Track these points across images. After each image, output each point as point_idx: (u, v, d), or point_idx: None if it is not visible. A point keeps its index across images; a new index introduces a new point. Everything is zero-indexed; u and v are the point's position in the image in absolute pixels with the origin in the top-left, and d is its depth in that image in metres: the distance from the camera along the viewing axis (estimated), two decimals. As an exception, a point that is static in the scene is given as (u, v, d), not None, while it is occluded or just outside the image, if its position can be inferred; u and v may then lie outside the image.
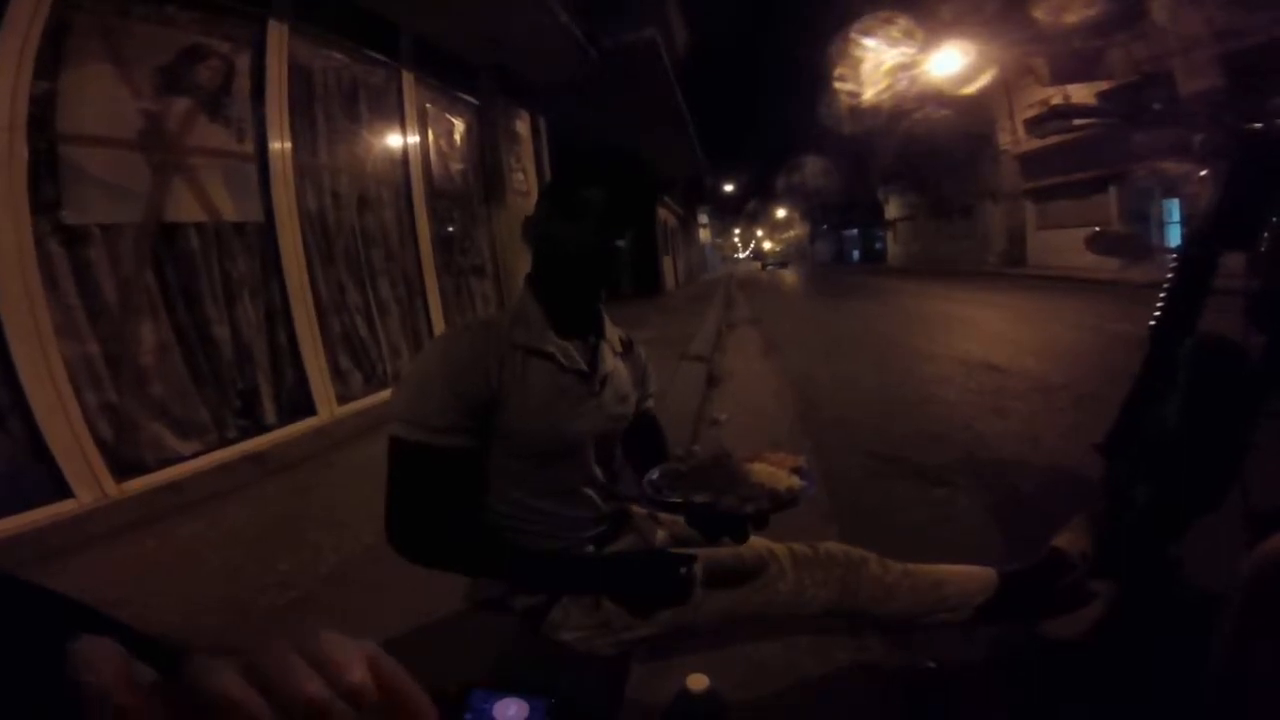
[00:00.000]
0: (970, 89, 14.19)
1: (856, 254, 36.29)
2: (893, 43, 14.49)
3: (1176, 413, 1.18)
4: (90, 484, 2.31)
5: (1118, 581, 1.22)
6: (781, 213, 53.28)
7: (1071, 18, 10.59)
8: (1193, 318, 1.25)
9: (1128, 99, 1.36)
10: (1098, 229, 1.53)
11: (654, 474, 0.91)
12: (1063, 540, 1.28)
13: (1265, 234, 1.06)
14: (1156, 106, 1.26)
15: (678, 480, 0.89)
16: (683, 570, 0.89)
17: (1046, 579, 1.21)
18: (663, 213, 16.11)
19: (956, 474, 2.49)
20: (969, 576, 1.15)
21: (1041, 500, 2.18)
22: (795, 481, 0.87)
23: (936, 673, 1.28)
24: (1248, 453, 1.12)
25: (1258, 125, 1.10)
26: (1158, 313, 1.29)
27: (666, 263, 15.97)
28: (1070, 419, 3.06)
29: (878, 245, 31.57)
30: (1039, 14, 11.25)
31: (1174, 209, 12.30)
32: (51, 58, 2.32)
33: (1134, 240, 1.57)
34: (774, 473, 0.89)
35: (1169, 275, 1.27)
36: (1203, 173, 1.20)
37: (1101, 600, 1.21)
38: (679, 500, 0.86)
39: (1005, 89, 15.57)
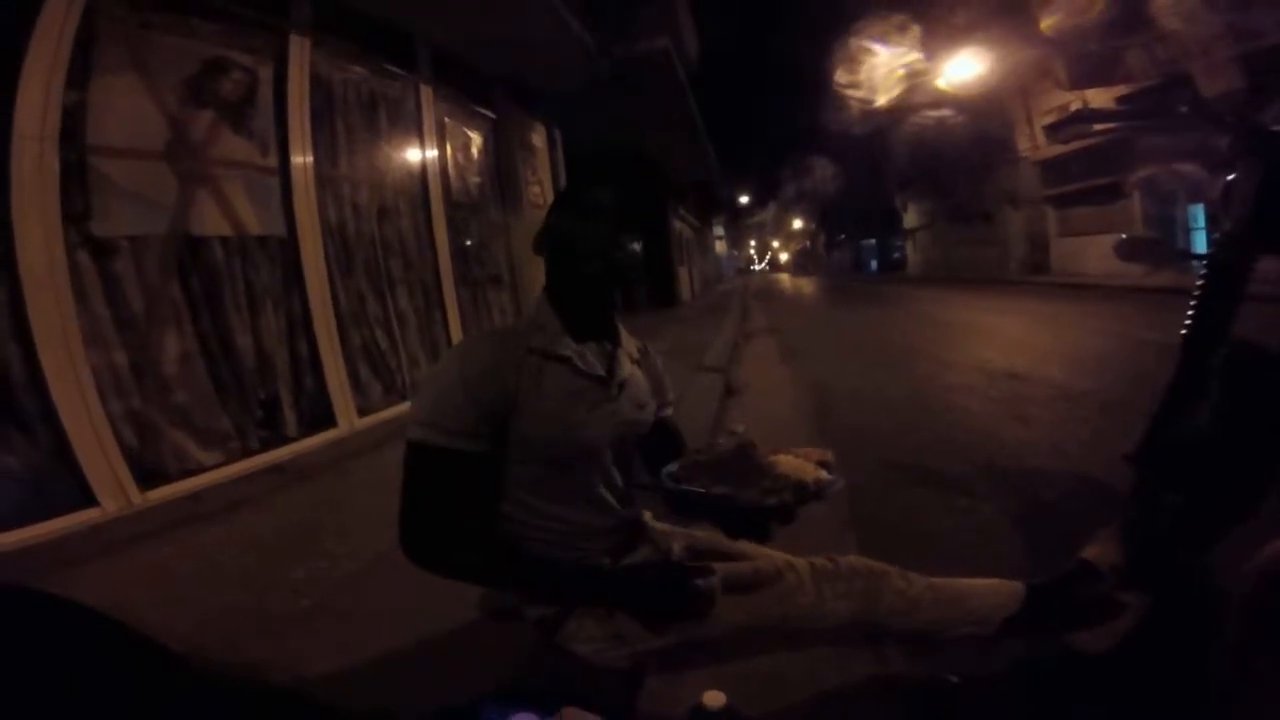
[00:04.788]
0: (985, 94, 14.09)
1: (875, 263, 35.98)
2: (905, 48, 14.42)
3: (1210, 421, 1.15)
4: (116, 492, 2.34)
5: (1148, 593, 1.19)
6: (798, 223, 53.08)
7: (1088, 20, 10.47)
8: (1225, 325, 1.21)
9: (1150, 102, 1.33)
10: (1124, 235, 1.50)
11: (672, 466, 0.89)
12: (1091, 552, 1.25)
13: None
14: (1182, 109, 1.23)
15: (697, 471, 0.86)
16: (700, 583, 0.87)
17: (1075, 591, 1.18)
18: (677, 224, 16.11)
19: (979, 483, 2.45)
20: (995, 589, 1.12)
21: (1066, 509, 2.13)
22: (821, 474, 0.83)
23: (960, 687, 1.25)
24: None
25: None
26: (1189, 320, 1.25)
27: (682, 274, 15.96)
28: (1095, 427, 2.99)
29: (896, 254, 31.28)
30: (1054, 18, 11.15)
31: (1199, 214, 12.07)
32: (81, 68, 2.37)
33: (1160, 246, 1.54)
34: (799, 465, 0.85)
35: (1199, 281, 1.24)
36: (1230, 176, 1.17)
37: (1131, 612, 1.17)
38: (699, 491, 0.82)
39: (1022, 94, 15.41)
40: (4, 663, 0.30)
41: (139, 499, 2.40)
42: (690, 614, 0.88)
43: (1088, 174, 13.79)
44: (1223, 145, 1.17)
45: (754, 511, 0.81)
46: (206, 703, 0.37)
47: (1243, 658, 0.77)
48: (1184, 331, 1.26)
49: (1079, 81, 12.12)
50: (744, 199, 37.20)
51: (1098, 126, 1.47)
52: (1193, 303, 1.25)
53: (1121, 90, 11.24)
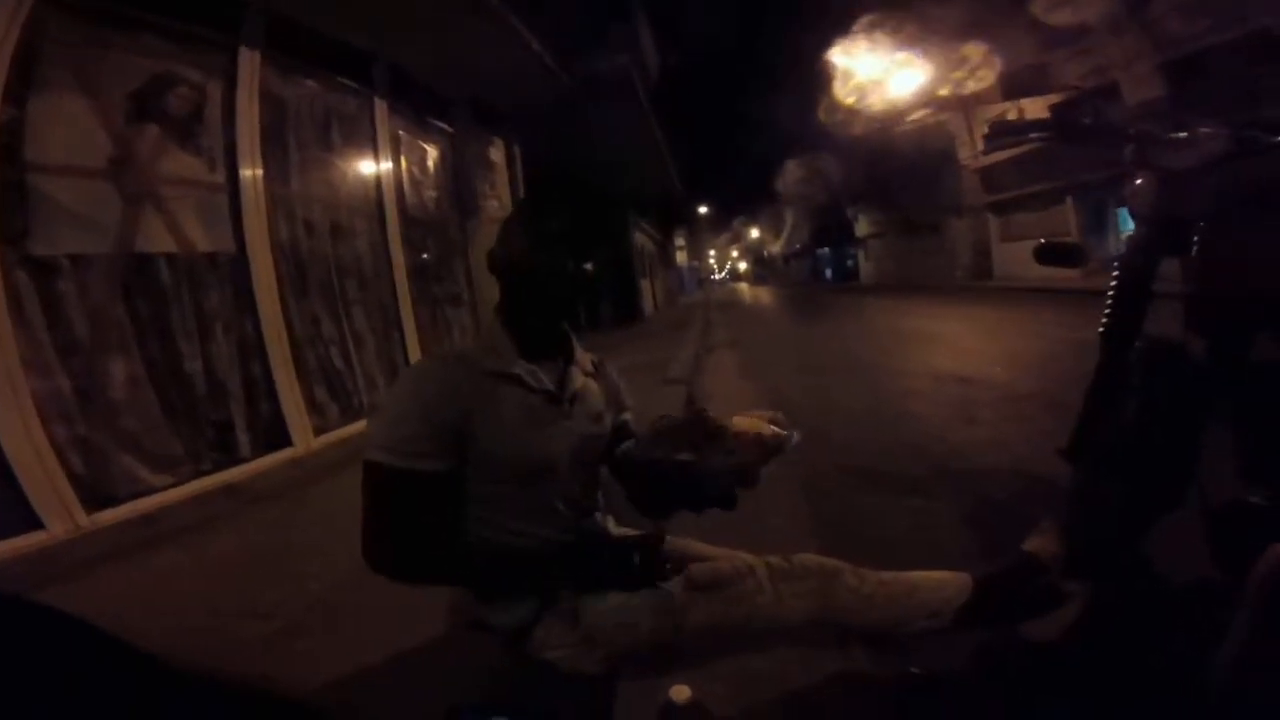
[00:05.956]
0: (929, 107, 14.68)
1: (829, 273, 36.78)
2: (859, 62, 14.88)
3: (1132, 415, 1.23)
4: (61, 515, 2.27)
5: (1090, 581, 1.25)
6: (755, 233, 53.97)
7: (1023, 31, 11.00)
8: (1138, 322, 1.30)
9: (1059, 116, 1.42)
10: (1042, 240, 1.61)
11: (630, 444, 0.92)
12: (1032, 544, 1.32)
13: (1194, 239, 1.11)
14: (1086, 121, 1.33)
15: (657, 443, 0.87)
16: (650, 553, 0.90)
17: (1019, 582, 1.24)
18: (639, 237, 16.17)
19: (932, 484, 2.53)
20: (944, 582, 1.17)
21: (1015, 505, 2.22)
22: (776, 430, 0.85)
23: (922, 678, 1.30)
24: (1200, 450, 1.17)
25: (1181, 135, 1.16)
26: (1105, 319, 1.35)
27: (644, 287, 15.98)
28: (1039, 425, 3.13)
29: (849, 264, 32.08)
30: (988, 35, 11.74)
31: (1127, 217, 12.77)
32: (20, 84, 2.30)
33: (1075, 250, 1.64)
34: (753, 422, 0.87)
35: (1111, 282, 1.33)
36: (1137, 181, 1.26)
37: (1076, 600, 1.23)
38: (664, 459, 0.83)
39: (963, 105, 16.03)
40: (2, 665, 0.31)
41: (86, 521, 2.33)
42: (645, 579, 0.92)
43: (1024, 181, 14.43)
44: (1127, 154, 1.26)
45: (720, 475, 0.83)
46: (207, 703, 0.37)
47: (1249, 658, 0.77)
48: (1100, 330, 1.35)
49: (1012, 93, 12.76)
50: (703, 209, 37.57)
51: (1025, 136, 1.56)
52: (1107, 302, 1.34)
53: (1054, 99, 11.85)
